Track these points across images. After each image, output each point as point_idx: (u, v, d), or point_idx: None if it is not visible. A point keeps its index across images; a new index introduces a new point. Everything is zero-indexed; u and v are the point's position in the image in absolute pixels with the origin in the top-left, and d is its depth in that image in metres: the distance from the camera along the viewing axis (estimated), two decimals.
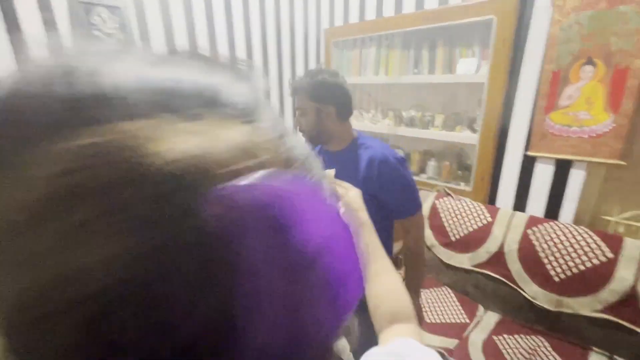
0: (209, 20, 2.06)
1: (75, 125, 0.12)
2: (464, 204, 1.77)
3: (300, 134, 1.12)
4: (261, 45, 2.38)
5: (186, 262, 0.11)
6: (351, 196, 0.65)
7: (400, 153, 1.15)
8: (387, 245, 1.29)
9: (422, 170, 2.15)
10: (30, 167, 0.11)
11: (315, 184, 0.16)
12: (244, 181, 0.12)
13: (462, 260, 1.70)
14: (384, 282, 0.51)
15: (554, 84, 1.46)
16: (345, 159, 1.10)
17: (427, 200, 1.89)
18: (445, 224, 1.79)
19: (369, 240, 0.58)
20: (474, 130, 1.84)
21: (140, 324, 0.11)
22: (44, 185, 0.11)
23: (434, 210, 1.85)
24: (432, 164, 2.06)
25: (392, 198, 1.08)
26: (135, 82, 0.13)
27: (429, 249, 1.83)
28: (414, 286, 1.17)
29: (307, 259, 0.13)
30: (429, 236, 1.83)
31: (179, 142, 0.12)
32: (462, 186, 1.92)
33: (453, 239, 1.75)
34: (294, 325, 0.13)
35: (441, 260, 1.77)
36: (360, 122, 2.39)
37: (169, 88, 0.14)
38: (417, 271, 1.17)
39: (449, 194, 1.88)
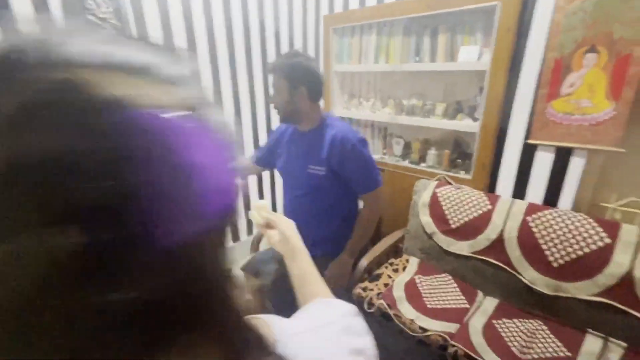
0: (205, 5, 2.01)
1: (44, 67, 0.18)
2: (464, 192, 1.79)
3: (275, 112, 1.21)
4: (259, 31, 2.33)
5: (105, 149, 0.17)
6: (284, 225, 0.72)
7: (362, 134, 1.32)
8: (354, 215, 1.38)
9: (423, 159, 2.16)
10: (13, 87, 0.17)
11: (206, 127, 0.22)
12: (154, 112, 0.19)
13: (462, 248, 1.73)
14: (322, 289, 0.57)
15: (556, 72, 1.46)
16: (314, 138, 1.22)
17: (427, 189, 1.90)
18: (446, 212, 1.81)
19: (303, 265, 0.63)
20: (474, 119, 1.84)
21: (70, 187, 0.16)
22: (20, 97, 0.17)
23: (434, 198, 1.86)
24: (432, 153, 2.07)
25: (352, 175, 1.22)
26: (90, 50, 0.20)
27: (429, 236, 1.85)
28: (352, 247, 1.34)
29: (187, 167, 0.20)
30: (429, 224, 1.84)
31: (113, 84, 0.19)
32: (462, 175, 1.94)
33: (453, 226, 1.77)
34: (179, 205, 0.19)
35: (441, 248, 1.80)
36: (360, 111, 2.38)
37: (116, 57, 0.20)
38: (361, 237, 1.34)
39: (449, 182, 1.89)
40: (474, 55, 1.76)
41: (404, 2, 1.94)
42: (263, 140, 2.50)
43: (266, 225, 0.77)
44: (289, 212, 1.43)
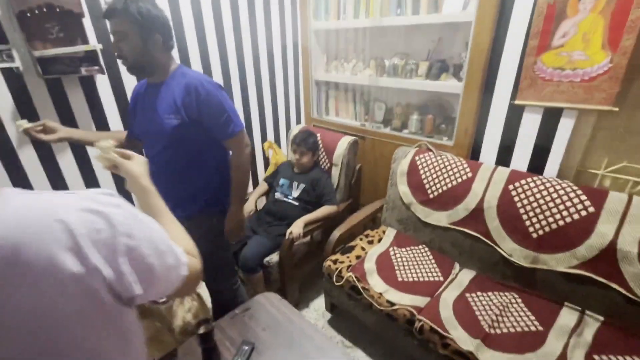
0: None
1: None
2: (445, 159, 1.66)
3: (121, 61, 1.10)
4: None
5: None
6: (128, 166, 0.72)
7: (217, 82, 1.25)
8: (225, 165, 1.34)
9: (405, 125, 2.01)
10: None
11: None
12: None
13: (440, 218, 1.63)
14: (173, 230, 0.65)
15: (548, 20, 1.28)
16: (167, 88, 1.15)
17: (406, 157, 1.78)
18: (425, 181, 1.69)
19: (153, 202, 0.69)
20: (460, 79, 1.67)
21: None
22: None
23: (412, 166, 1.74)
24: (414, 118, 1.92)
25: (210, 121, 1.17)
26: None
27: (407, 207, 1.75)
28: (235, 195, 1.31)
29: None
30: (406, 194, 1.74)
31: None
32: (444, 141, 1.80)
33: (432, 196, 1.66)
34: None
35: (419, 219, 1.70)
36: (341, 74, 2.20)
37: None
38: (242, 184, 1.31)
39: (429, 150, 1.76)
40: (459, 4, 1.56)
41: None
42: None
43: (113, 167, 0.76)
44: (156, 171, 1.30)
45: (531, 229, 1.36)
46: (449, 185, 1.61)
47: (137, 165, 0.74)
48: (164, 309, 1.19)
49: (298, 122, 2.85)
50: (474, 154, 1.72)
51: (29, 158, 1.64)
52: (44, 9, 1.45)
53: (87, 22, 1.62)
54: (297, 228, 1.68)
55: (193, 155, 1.22)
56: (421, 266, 1.57)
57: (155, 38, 1.08)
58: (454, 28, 1.68)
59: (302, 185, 1.88)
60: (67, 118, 1.71)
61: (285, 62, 2.60)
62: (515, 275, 1.43)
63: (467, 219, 1.54)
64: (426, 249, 1.68)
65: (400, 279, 1.48)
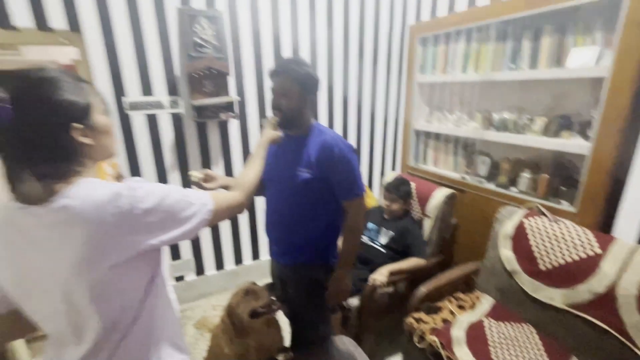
0: (293, 20, 2.17)
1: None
2: (564, 228, 1.43)
3: (274, 112, 1.20)
4: (343, 43, 2.39)
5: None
6: (266, 132, 1.13)
7: (351, 143, 1.40)
8: (338, 223, 1.34)
9: (513, 182, 1.83)
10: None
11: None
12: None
13: (553, 296, 1.38)
14: (246, 167, 0.99)
15: None
16: (303, 142, 1.24)
17: (512, 218, 1.60)
18: (535, 249, 1.48)
19: (255, 153, 1.05)
20: (587, 138, 1.47)
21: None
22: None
23: (520, 230, 1.55)
24: (525, 176, 1.74)
25: (337, 180, 1.22)
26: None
27: (509, 275, 1.54)
28: (344, 259, 1.31)
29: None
30: (510, 259, 1.54)
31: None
32: (563, 205, 1.56)
33: (543, 267, 1.43)
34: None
35: (524, 291, 1.47)
36: (443, 124, 2.18)
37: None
38: (351, 246, 1.30)
39: (543, 213, 1.55)
40: (589, 58, 1.41)
41: (499, 2, 1.71)
42: None
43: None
44: (272, 219, 1.38)
45: None
46: (568, 259, 1.37)
47: (266, 133, 1.12)
48: (260, 326, 1.30)
49: (393, 168, 2.87)
50: (605, 226, 1.44)
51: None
52: (205, 71, 1.91)
53: (230, 80, 2.06)
54: (381, 276, 1.65)
55: (312, 208, 1.27)
56: (524, 349, 1.33)
57: (310, 98, 1.21)
58: (581, 83, 1.51)
59: (391, 233, 1.86)
60: (205, 151, 2.14)
61: (386, 110, 2.72)
62: None
63: (593, 304, 1.27)
64: (532, 329, 1.43)
65: (494, 358, 1.28)
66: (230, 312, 1.38)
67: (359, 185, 1.24)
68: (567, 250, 1.38)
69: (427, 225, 1.91)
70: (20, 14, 1.55)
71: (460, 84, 2.12)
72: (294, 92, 1.16)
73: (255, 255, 2.51)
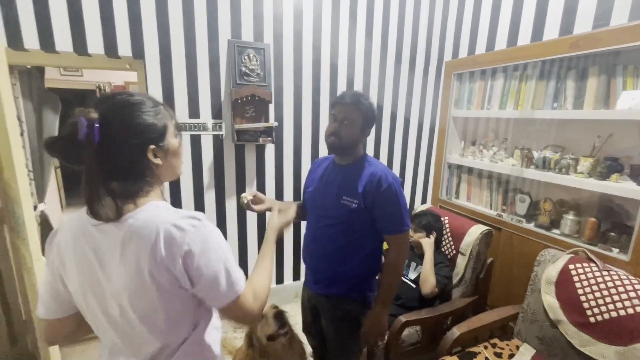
0: (332, 54, 2.28)
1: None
2: (615, 277, 1.33)
3: (331, 138, 1.21)
4: (378, 77, 2.46)
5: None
6: (273, 216, 1.02)
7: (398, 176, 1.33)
8: (377, 257, 1.31)
9: (555, 224, 1.74)
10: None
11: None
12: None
13: (606, 353, 1.26)
14: (257, 273, 0.78)
15: None
16: (352, 171, 1.24)
17: (556, 262, 1.51)
18: (582, 298, 1.37)
19: (264, 247, 0.89)
20: (639, 182, 1.40)
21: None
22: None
23: (565, 275, 1.45)
24: (569, 219, 1.65)
25: (382, 215, 1.20)
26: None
27: (552, 324, 1.43)
28: (383, 297, 1.26)
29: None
30: (553, 307, 1.43)
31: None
32: (614, 253, 1.46)
33: (592, 320, 1.32)
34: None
35: (570, 344, 1.35)
36: (478, 160, 2.15)
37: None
38: (390, 284, 1.25)
39: (591, 260, 1.45)
40: None
41: (542, 44, 1.72)
42: None
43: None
44: (312, 242, 1.35)
45: None
46: (621, 312, 1.26)
47: (275, 217, 1.00)
48: (280, 348, 1.29)
49: (423, 202, 2.83)
50: None
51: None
52: (249, 98, 2.02)
53: (271, 107, 2.16)
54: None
55: (353, 238, 1.24)
56: None
57: (367, 130, 1.24)
58: (631, 126, 1.46)
59: (421, 268, 1.80)
60: (241, 172, 2.21)
61: (418, 142, 2.73)
62: None
63: None
64: None
65: None
66: (250, 334, 1.39)
67: (404, 220, 1.21)
68: (621, 302, 1.27)
69: (461, 262, 1.84)
70: (95, 42, 1.74)
71: (498, 119, 2.11)
72: (357, 122, 1.19)
73: (280, 279, 2.50)
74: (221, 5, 1.93)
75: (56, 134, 2.08)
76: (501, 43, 2.10)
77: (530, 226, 1.81)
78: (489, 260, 1.87)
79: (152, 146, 0.63)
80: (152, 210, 0.61)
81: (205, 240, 0.61)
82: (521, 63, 1.82)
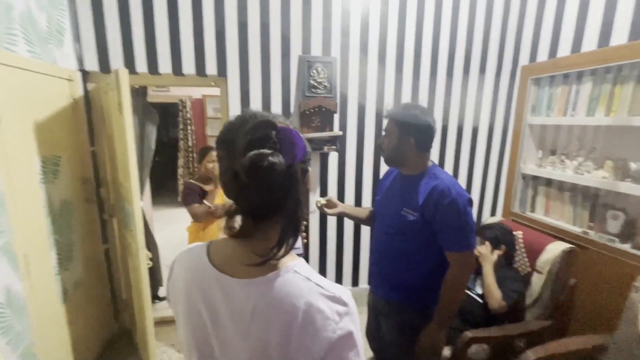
0: (398, 64, 2.30)
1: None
2: None
3: (380, 152, 1.30)
4: (445, 84, 2.41)
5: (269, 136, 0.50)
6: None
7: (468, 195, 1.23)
8: (437, 272, 1.23)
9: None
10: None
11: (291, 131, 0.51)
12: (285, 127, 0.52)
13: None
14: None
15: None
16: (414, 183, 1.24)
17: None
18: None
19: None
20: None
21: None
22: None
23: None
24: None
25: (441, 230, 1.18)
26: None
27: None
28: (440, 313, 1.22)
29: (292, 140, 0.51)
30: None
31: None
32: None
33: None
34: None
35: None
36: (559, 171, 1.97)
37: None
38: (448, 304, 1.22)
39: None
40: None
41: None
42: None
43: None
44: (376, 248, 1.40)
45: None
46: None
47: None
48: None
49: (492, 214, 2.66)
50: None
51: None
52: (316, 109, 2.14)
53: (336, 117, 2.25)
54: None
55: (414, 249, 1.25)
56: None
57: (409, 139, 1.22)
58: None
59: None
60: None
61: (488, 151, 2.59)
62: None
63: None
64: None
65: None
66: None
67: (467, 238, 1.17)
68: None
69: (537, 281, 1.70)
70: (188, 64, 2.03)
71: (585, 127, 1.91)
72: (393, 133, 1.24)
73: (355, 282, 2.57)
74: (294, 22, 2.10)
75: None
76: (589, 44, 1.91)
77: (626, 247, 1.60)
78: (572, 282, 1.69)
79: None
80: (293, 276, 0.51)
81: (348, 336, 0.49)
82: (615, 65, 1.63)
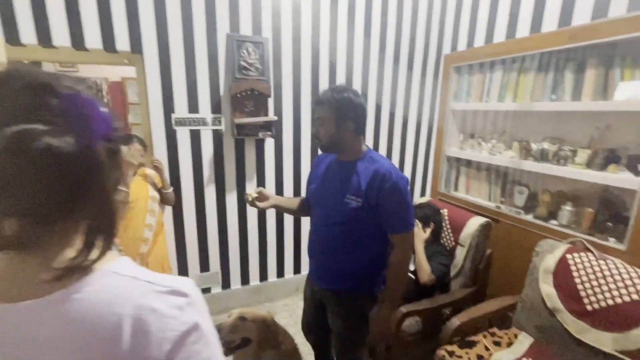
0: (331, 47, 2.27)
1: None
2: (612, 266, 1.35)
3: (315, 140, 1.22)
4: (377, 71, 2.46)
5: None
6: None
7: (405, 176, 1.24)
8: (383, 256, 1.29)
9: (553, 215, 1.76)
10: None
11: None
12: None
13: (602, 340, 1.28)
14: None
15: None
16: (354, 169, 1.21)
17: (554, 252, 1.53)
18: (580, 287, 1.40)
19: None
20: (636, 172, 1.41)
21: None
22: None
23: (562, 265, 1.47)
24: (567, 209, 1.67)
25: (386, 213, 1.18)
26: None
27: (550, 313, 1.46)
28: (390, 298, 1.25)
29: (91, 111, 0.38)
30: (551, 296, 1.46)
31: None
32: (611, 243, 1.48)
33: (589, 308, 1.35)
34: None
35: (568, 332, 1.38)
36: (477, 152, 2.16)
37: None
38: (397, 284, 1.25)
39: (588, 249, 1.47)
40: (638, 92, 1.38)
41: (541, 35, 1.73)
42: None
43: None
44: (318, 239, 1.34)
45: None
46: (618, 300, 1.28)
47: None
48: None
49: (422, 194, 2.85)
50: None
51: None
52: (248, 92, 2.02)
53: (270, 101, 2.16)
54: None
55: (359, 237, 1.23)
56: None
57: (347, 124, 1.17)
58: (629, 117, 1.47)
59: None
60: (241, 166, 2.21)
61: (417, 136, 2.74)
62: None
63: None
64: None
65: None
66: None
67: (409, 219, 1.19)
68: (617, 290, 1.30)
69: (460, 253, 1.86)
70: (92, 37, 1.73)
71: (497, 112, 2.11)
72: (330, 119, 1.17)
73: (280, 273, 2.51)
74: None
75: None
76: (500, 35, 2.10)
77: (529, 217, 1.83)
78: (488, 252, 1.89)
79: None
80: (113, 280, 0.41)
81: (194, 328, 0.43)
82: (520, 55, 1.82)
